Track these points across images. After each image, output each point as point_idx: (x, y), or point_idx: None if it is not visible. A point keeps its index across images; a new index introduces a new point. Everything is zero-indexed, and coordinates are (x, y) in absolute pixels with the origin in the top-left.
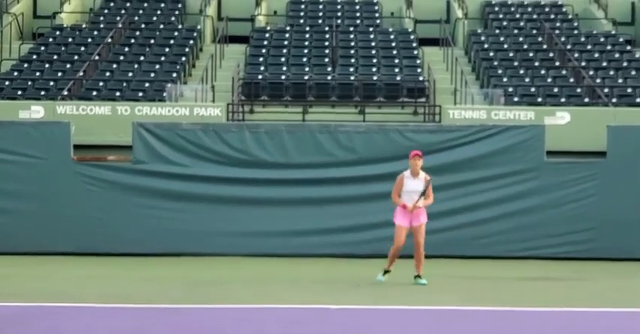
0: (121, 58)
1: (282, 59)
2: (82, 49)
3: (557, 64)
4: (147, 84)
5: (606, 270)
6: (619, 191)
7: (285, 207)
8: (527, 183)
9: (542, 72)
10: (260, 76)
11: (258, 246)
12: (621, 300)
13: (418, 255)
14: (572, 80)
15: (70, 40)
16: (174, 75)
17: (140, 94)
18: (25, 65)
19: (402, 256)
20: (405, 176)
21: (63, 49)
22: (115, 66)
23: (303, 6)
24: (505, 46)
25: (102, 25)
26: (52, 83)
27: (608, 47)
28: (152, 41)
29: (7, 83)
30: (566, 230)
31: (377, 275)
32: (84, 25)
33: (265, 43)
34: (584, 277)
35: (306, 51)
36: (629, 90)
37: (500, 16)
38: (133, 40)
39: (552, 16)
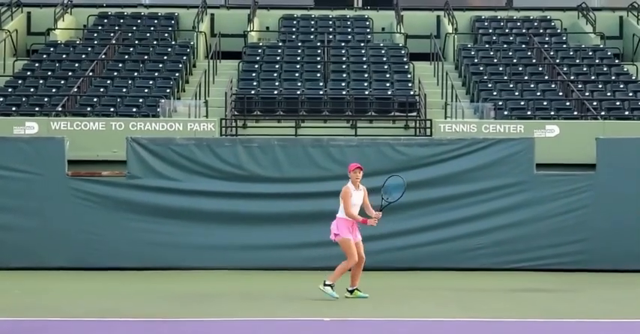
0: (115, 73)
1: (275, 74)
2: (76, 65)
3: (547, 77)
4: (140, 100)
5: (597, 282)
6: (608, 203)
7: (279, 221)
8: (517, 196)
9: (532, 85)
10: (253, 91)
11: (252, 259)
12: (611, 311)
13: (359, 269)
14: (561, 93)
15: (64, 56)
16: (168, 90)
17: (134, 110)
18: (20, 81)
19: (386, 268)
20: (351, 189)
21: (57, 65)
22: (108, 82)
23: (295, 22)
24: (495, 60)
25: (96, 42)
26: (46, 99)
27: (597, 61)
28: (146, 57)
29: (1, 99)
30: (557, 242)
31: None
32: (78, 42)
33: (258, 58)
34: (575, 288)
35: (298, 66)
36: (618, 103)
37: (490, 30)
38: (126, 56)
39: (541, 31)
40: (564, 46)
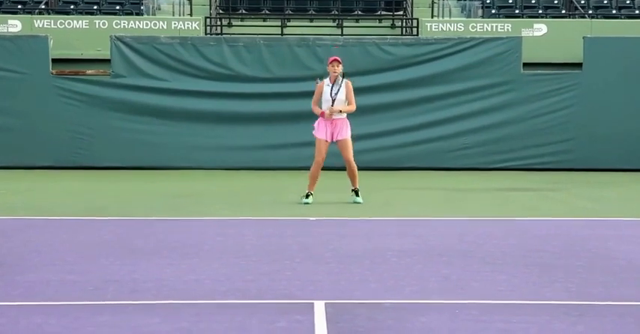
0: None
1: None
2: None
3: None
4: None
5: (582, 181)
6: (595, 102)
7: (264, 121)
8: (504, 95)
9: None
10: None
11: (237, 159)
12: (594, 210)
13: (350, 171)
14: None
15: None
16: None
17: (117, 7)
18: None
19: (372, 168)
20: (324, 83)
21: None
22: None
23: None
24: None
25: None
26: None
27: None
28: None
29: None
30: (543, 141)
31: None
32: None
33: None
34: (560, 187)
35: None
36: (605, 1)
37: None
38: None
39: None
40: None
